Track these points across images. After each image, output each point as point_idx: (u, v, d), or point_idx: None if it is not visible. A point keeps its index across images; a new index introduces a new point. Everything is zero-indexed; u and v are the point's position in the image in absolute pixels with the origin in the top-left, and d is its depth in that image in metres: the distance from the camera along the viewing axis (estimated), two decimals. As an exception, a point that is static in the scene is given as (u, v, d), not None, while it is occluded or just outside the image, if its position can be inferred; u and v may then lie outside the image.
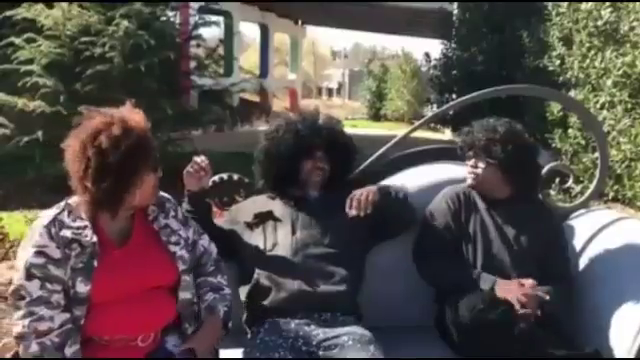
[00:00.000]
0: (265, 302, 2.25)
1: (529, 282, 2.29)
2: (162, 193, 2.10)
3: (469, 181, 2.54)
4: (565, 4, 5.64)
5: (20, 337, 1.79)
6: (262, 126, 15.03)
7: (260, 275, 2.29)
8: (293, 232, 2.34)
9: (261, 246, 2.34)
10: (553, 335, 2.25)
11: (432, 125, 11.35)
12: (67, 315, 1.82)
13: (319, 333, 2.15)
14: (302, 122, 2.51)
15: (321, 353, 2.10)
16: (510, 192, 2.51)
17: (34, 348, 1.77)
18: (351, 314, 2.27)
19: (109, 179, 1.82)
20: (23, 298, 1.80)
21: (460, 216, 2.50)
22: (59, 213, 1.88)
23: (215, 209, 4.62)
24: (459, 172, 2.74)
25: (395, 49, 24.97)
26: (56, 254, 1.82)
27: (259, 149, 2.53)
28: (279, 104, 19.06)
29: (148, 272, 1.94)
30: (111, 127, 1.84)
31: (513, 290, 2.27)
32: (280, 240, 2.33)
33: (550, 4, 6.06)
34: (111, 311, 1.87)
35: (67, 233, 1.84)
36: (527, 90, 3.90)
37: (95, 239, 1.86)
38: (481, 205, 2.52)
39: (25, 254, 1.83)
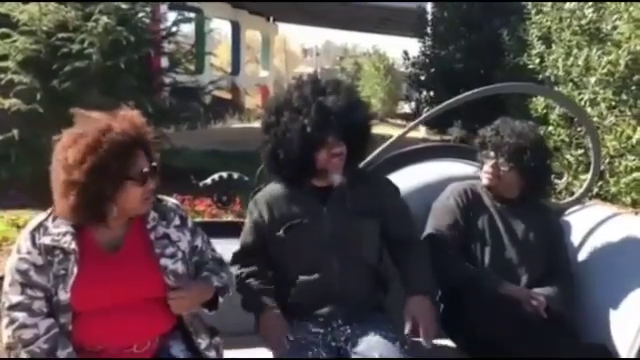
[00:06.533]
0: (292, 301, 2.22)
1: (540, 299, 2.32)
2: (172, 200, 2.04)
3: (485, 181, 2.51)
4: (549, 3, 5.70)
5: (9, 347, 1.76)
6: (235, 124, 14.97)
7: (286, 275, 2.25)
8: (320, 230, 2.20)
9: (287, 247, 2.23)
10: (559, 330, 2.28)
11: (406, 123, 11.41)
12: (51, 320, 1.78)
13: (347, 329, 2.18)
14: (304, 107, 2.12)
15: (349, 349, 2.13)
16: (520, 193, 2.52)
17: (23, 357, 1.75)
18: (378, 309, 2.27)
19: (74, 194, 1.74)
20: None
21: (468, 213, 2.50)
22: (45, 219, 1.84)
23: (203, 207, 4.60)
24: (456, 170, 2.77)
25: (366, 47, 24.98)
26: (39, 261, 1.79)
27: (261, 147, 2.24)
28: (251, 101, 18.95)
29: (134, 283, 1.85)
30: (79, 141, 1.76)
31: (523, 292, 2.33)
32: (307, 239, 2.20)
33: (530, 3, 6.12)
34: (99, 320, 1.82)
35: (47, 240, 1.80)
36: (516, 87, 3.92)
37: (74, 246, 1.79)
38: (489, 202, 2.53)
39: (11, 259, 1.81)
